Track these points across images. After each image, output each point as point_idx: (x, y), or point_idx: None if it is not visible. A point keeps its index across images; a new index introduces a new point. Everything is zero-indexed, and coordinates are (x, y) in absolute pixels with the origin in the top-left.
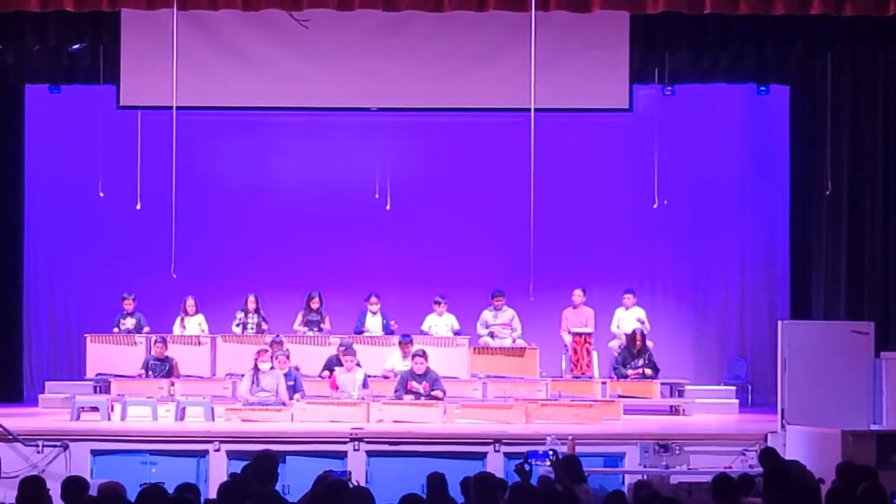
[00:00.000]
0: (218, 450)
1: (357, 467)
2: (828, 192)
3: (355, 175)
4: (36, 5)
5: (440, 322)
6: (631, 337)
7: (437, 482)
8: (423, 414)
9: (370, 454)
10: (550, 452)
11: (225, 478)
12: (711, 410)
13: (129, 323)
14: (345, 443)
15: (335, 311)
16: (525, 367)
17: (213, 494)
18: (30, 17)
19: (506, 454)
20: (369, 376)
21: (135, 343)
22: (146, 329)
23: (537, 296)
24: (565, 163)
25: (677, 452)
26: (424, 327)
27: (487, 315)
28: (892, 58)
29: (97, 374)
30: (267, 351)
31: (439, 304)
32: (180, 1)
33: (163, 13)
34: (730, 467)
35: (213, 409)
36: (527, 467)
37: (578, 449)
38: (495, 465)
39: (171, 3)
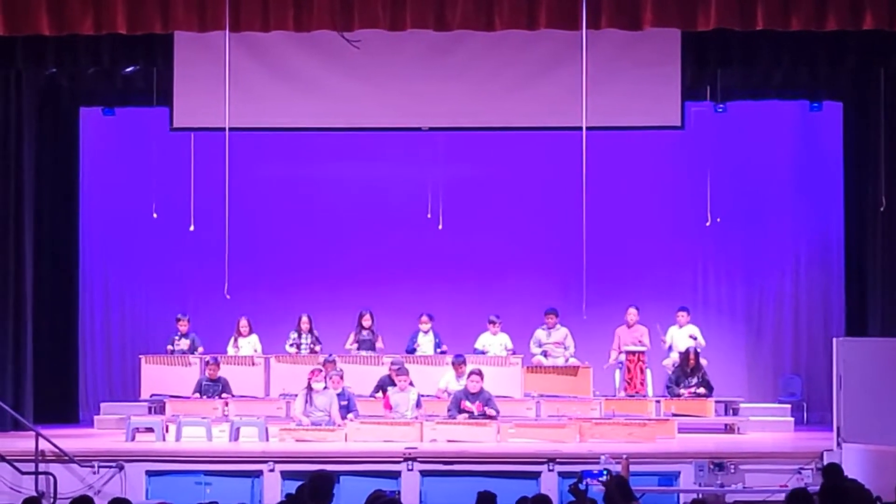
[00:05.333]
0: (272, 470)
1: (411, 487)
2: (882, 209)
3: (407, 195)
4: (90, 28)
5: (494, 341)
6: (685, 355)
7: (487, 500)
8: (477, 433)
9: (424, 474)
10: (605, 471)
11: (280, 498)
12: (766, 428)
13: (184, 344)
14: (398, 463)
15: (387, 331)
16: (578, 385)
17: None
18: (84, 40)
19: (560, 473)
20: (422, 395)
21: (189, 364)
22: (200, 350)
23: (590, 314)
24: (617, 180)
25: (732, 471)
26: (478, 345)
27: (540, 334)
28: None
29: (152, 395)
30: (320, 371)
31: (494, 323)
32: (232, 23)
33: (215, 35)
34: (785, 486)
35: (267, 429)
36: (581, 486)
37: (633, 468)
38: (549, 484)
39: (224, 26)
